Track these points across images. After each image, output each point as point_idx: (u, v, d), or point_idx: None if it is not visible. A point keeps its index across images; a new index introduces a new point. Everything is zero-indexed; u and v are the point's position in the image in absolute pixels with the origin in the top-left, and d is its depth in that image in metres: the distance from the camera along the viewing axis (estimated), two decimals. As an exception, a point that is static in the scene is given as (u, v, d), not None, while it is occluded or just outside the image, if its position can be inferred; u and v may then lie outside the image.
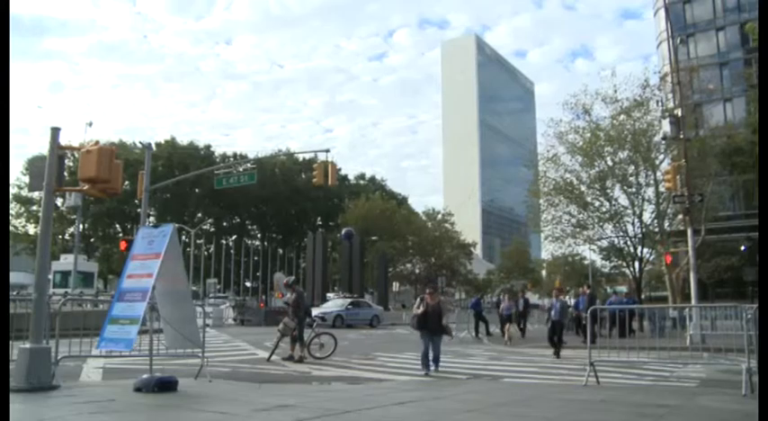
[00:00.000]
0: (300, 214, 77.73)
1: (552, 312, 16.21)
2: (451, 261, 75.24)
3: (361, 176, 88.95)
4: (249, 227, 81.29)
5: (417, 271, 74.09)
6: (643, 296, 32.18)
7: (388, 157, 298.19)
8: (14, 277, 39.88)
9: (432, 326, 11.70)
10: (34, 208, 59.93)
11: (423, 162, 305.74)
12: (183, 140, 73.99)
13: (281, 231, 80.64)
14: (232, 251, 71.46)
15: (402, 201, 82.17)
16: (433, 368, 11.74)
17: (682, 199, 20.87)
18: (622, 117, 29.93)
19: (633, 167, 30.36)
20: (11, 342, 7.89)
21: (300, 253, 70.16)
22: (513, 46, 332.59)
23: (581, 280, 61.89)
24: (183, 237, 48.74)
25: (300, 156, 71.13)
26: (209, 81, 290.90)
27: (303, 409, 6.66)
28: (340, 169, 67.64)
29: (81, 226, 49.02)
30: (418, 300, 12.31)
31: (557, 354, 15.32)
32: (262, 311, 34.30)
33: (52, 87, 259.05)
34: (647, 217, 30.90)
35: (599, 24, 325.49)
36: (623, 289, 48.70)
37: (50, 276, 28.65)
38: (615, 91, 29.67)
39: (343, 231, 49.97)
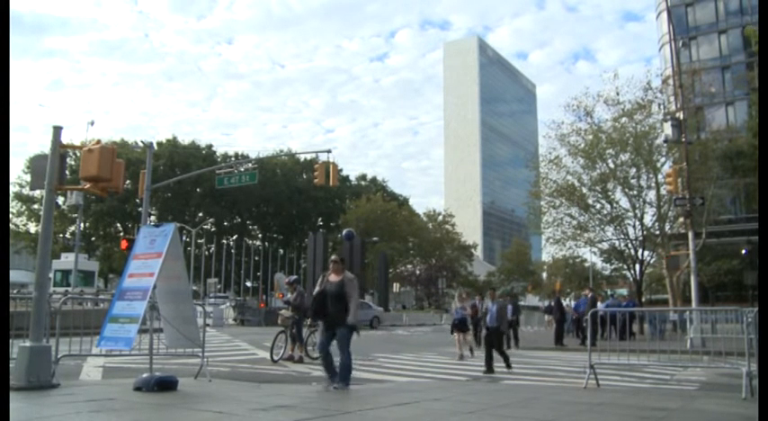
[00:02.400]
0: (301, 214, 77.76)
1: (488, 318, 12.80)
2: (452, 262, 75.31)
3: (363, 177, 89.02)
4: (250, 227, 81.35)
5: (418, 272, 74.13)
6: (643, 299, 32.18)
7: (388, 158, 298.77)
8: (15, 275, 39.93)
9: (333, 315, 8.34)
10: (35, 206, 60.06)
11: (423, 163, 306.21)
12: (184, 140, 74.22)
13: (282, 231, 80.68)
14: (233, 251, 71.52)
15: (403, 203, 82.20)
16: (335, 383, 8.33)
17: (683, 202, 20.88)
18: (624, 119, 29.96)
19: (635, 170, 30.40)
20: (11, 340, 7.89)
21: (301, 253, 70.15)
22: (514, 47, 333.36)
23: (581, 282, 61.92)
24: (184, 237, 48.77)
25: (302, 157, 71.31)
26: (210, 80, 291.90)
27: (303, 410, 6.66)
28: (341, 170, 67.78)
29: (82, 224, 49.10)
30: (321, 277, 8.93)
31: (488, 369, 12.18)
32: (262, 311, 34.33)
33: (53, 85, 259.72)
34: (648, 219, 30.97)
35: (601, 26, 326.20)
36: (623, 291, 48.71)
37: (51, 275, 28.67)
38: (617, 93, 29.74)
39: (343, 232, 49.83)
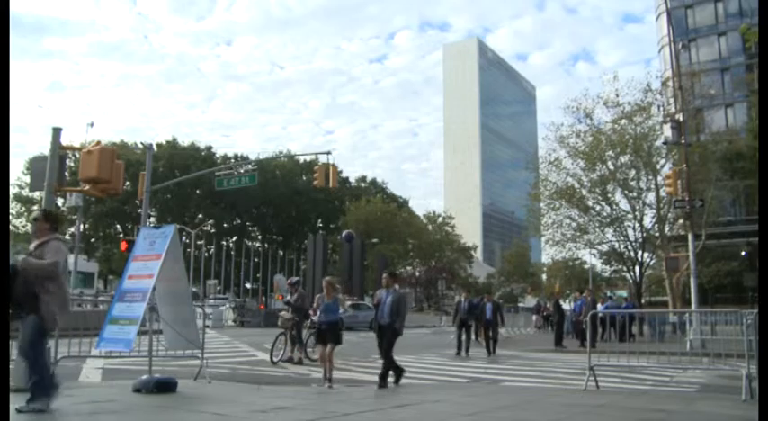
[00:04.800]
0: (301, 216, 77.76)
1: (380, 311, 9.74)
2: (452, 264, 75.30)
3: (362, 179, 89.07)
4: (249, 228, 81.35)
5: (417, 274, 74.09)
6: (643, 300, 32.17)
7: (388, 160, 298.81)
8: (14, 277, 39.78)
9: (19, 299, 5.76)
10: (35, 207, 60.01)
11: (423, 165, 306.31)
12: (183, 141, 74.28)
13: (282, 233, 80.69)
14: (232, 252, 71.52)
15: (403, 204, 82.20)
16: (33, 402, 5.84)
17: (682, 204, 20.88)
18: (624, 121, 29.97)
19: (634, 172, 30.40)
20: (11, 341, 7.88)
21: (301, 255, 70.13)
22: (514, 49, 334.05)
23: (581, 284, 61.84)
24: (184, 238, 48.75)
25: (301, 158, 71.33)
26: (209, 82, 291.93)
27: (302, 411, 6.66)
28: (341, 171, 67.76)
29: (81, 226, 49.08)
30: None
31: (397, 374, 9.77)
32: (262, 313, 34.30)
33: (52, 87, 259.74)
34: (647, 221, 30.97)
35: (600, 28, 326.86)
36: (623, 293, 48.68)
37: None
38: (617, 95, 29.75)
39: (343, 233, 49.96)
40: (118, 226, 69.36)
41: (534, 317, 33.69)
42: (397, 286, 10.16)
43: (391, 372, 9.66)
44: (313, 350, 14.26)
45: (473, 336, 19.15)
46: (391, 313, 9.56)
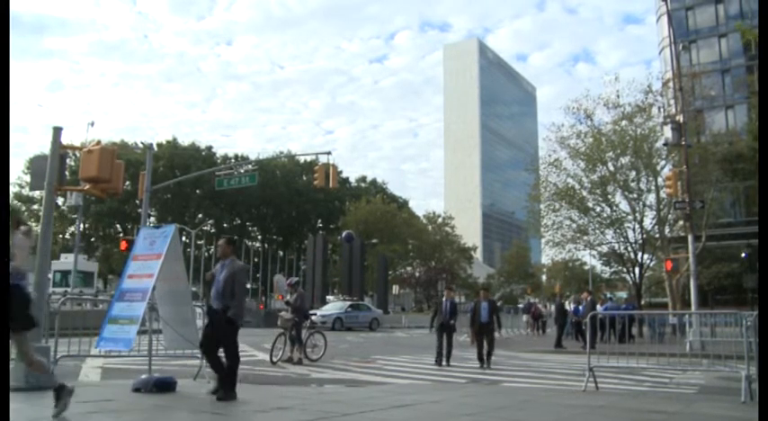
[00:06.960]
0: (301, 216, 77.71)
1: (212, 292, 7.80)
2: (452, 264, 75.32)
3: (362, 179, 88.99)
4: (249, 228, 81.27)
5: (417, 274, 74.11)
6: (643, 302, 32.16)
7: (388, 160, 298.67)
8: (14, 276, 39.79)
9: None
10: (35, 207, 60.07)
11: (423, 165, 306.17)
12: (183, 141, 74.20)
13: (282, 233, 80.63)
14: (232, 252, 71.29)
15: (403, 205, 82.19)
16: None
17: (683, 205, 20.86)
18: (624, 122, 29.96)
19: (634, 173, 30.38)
20: (10, 341, 7.88)
21: (300, 255, 70.06)
22: (514, 49, 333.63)
23: (581, 285, 61.88)
24: (184, 238, 48.75)
25: (301, 158, 71.26)
26: (209, 81, 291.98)
27: (302, 412, 6.66)
28: (341, 171, 67.77)
29: (81, 225, 49.07)
30: None
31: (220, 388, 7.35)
32: (261, 313, 34.31)
33: (52, 86, 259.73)
34: (647, 223, 30.94)
35: (601, 28, 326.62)
36: (623, 294, 48.71)
37: (50, 275, 28.64)
38: (618, 96, 29.74)
39: (343, 234, 49.94)
40: (118, 225, 69.31)
41: (525, 318, 33.35)
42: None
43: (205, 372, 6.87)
44: (312, 350, 14.29)
45: (469, 342, 17.22)
46: (224, 293, 7.28)
